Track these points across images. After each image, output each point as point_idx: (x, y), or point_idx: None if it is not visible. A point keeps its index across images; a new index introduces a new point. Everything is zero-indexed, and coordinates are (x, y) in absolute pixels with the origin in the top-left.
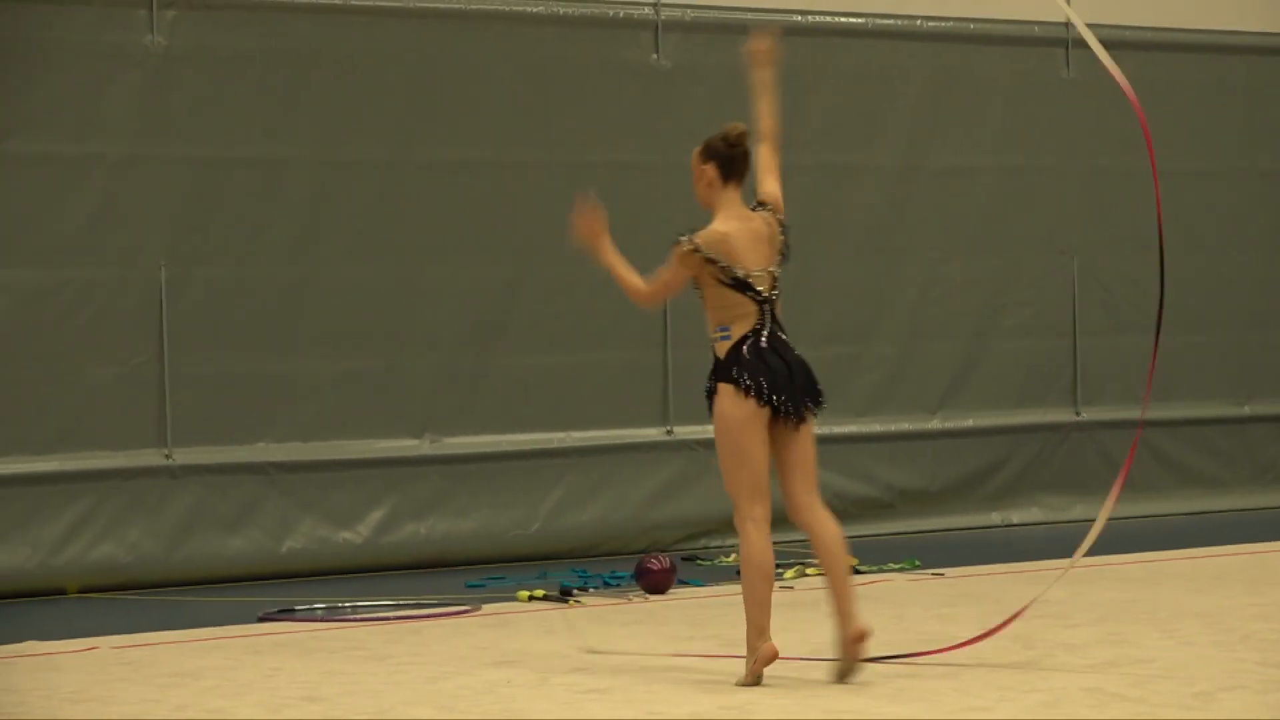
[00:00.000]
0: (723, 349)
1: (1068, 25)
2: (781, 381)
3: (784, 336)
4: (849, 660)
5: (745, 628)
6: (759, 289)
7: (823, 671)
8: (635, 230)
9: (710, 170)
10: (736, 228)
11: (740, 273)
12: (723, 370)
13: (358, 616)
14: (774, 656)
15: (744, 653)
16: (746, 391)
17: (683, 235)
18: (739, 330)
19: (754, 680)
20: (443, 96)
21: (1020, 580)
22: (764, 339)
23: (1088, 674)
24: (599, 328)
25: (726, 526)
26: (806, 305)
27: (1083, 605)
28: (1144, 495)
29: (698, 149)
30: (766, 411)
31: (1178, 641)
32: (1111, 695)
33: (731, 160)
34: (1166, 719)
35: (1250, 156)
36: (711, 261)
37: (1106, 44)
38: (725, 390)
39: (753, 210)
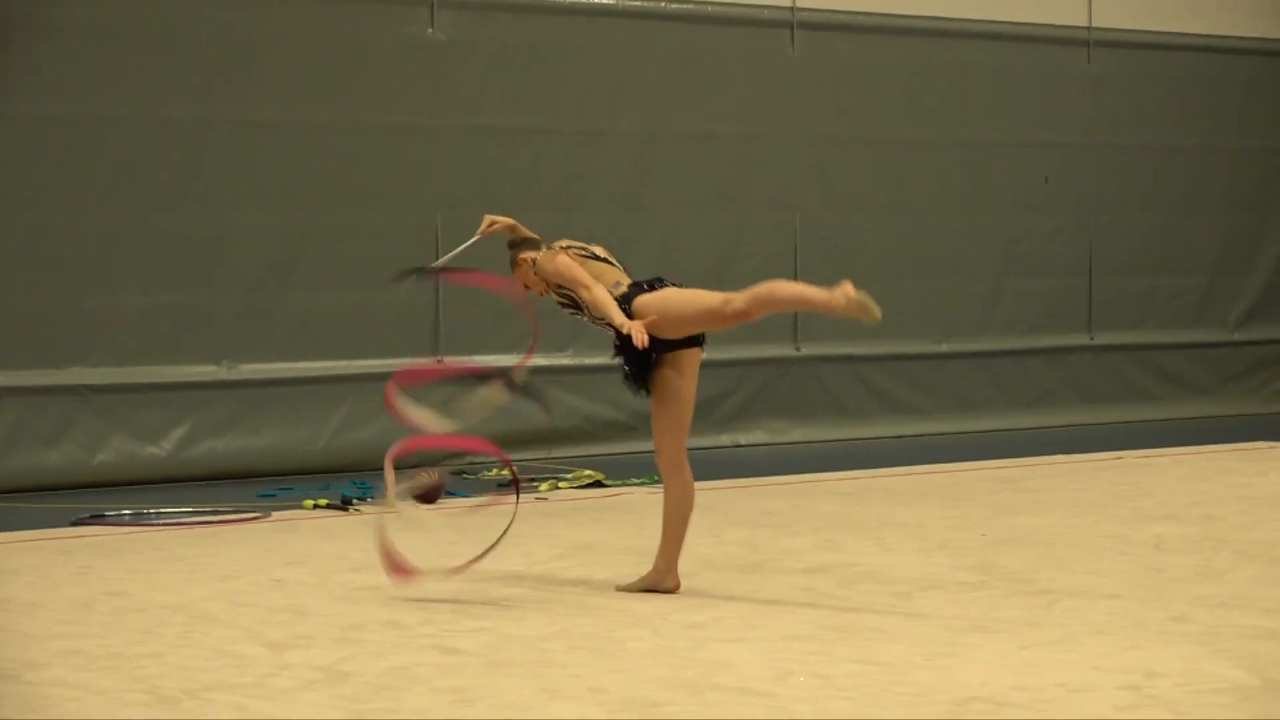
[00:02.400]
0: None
1: (792, 9)
2: None
3: None
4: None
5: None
6: None
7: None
8: (412, 185)
9: (524, 275)
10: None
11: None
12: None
13: (161, 522)
14: (676, 588)
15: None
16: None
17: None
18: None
19: (633, 590)
20: (246, 63)
21: (746, 493)
22: None
23: (803, 576)
24: (377, 269)
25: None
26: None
27: (802, 516)
28: (855, 420)
29: (515, 272)
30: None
31: (883, 548)
32: (823, 593)
33: (517, 259)
34: (871, 612)
35: (955, 126)
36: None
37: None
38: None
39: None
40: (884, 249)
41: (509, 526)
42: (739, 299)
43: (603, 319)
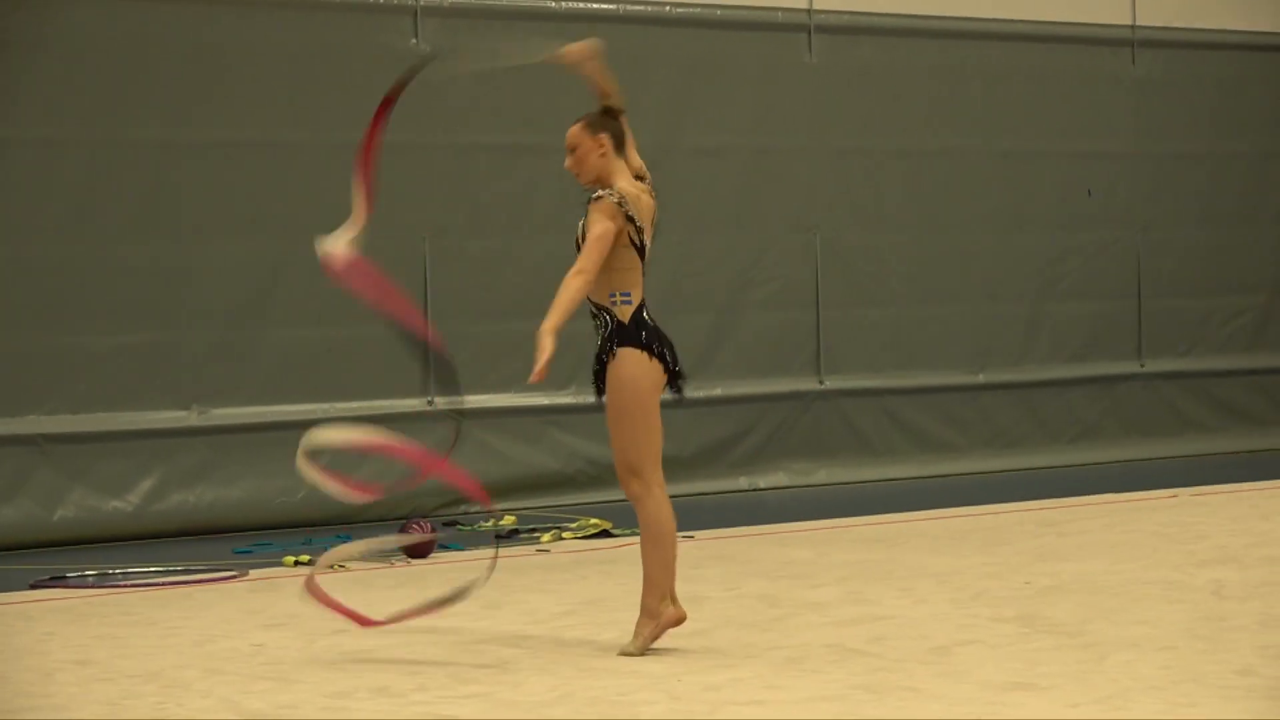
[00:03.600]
0: (625, 313)
1: (809, 12)
2: (676, 353)
3: None
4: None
5: (644, 596)
6: (646, 258)
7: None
8: (397, 208)
9: (605, 141)
10: (635, 194)
11: (644, 237)
12: (629, 334)
13: (128, 583)
14: (682, 619)
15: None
16: (659, 357)
17: (601, 192)
18: (637, 296)
19: (643, 650)
20: (214, 79)
21: (766, 541)
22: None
23: (829, 630)
24: (360, 303)
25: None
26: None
27: (825, 565)
28: (884, 459)
29: (580, 125)
30: (664, 380)
31: (915, 599)
32: (851, 650)
33: (620, 130)
34: (904, 670)
35: (989, 136)
36: (629, 219)
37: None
38: (633, 355)
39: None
40: (913, 271)
41: (477, 581)
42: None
43: (599, 309)
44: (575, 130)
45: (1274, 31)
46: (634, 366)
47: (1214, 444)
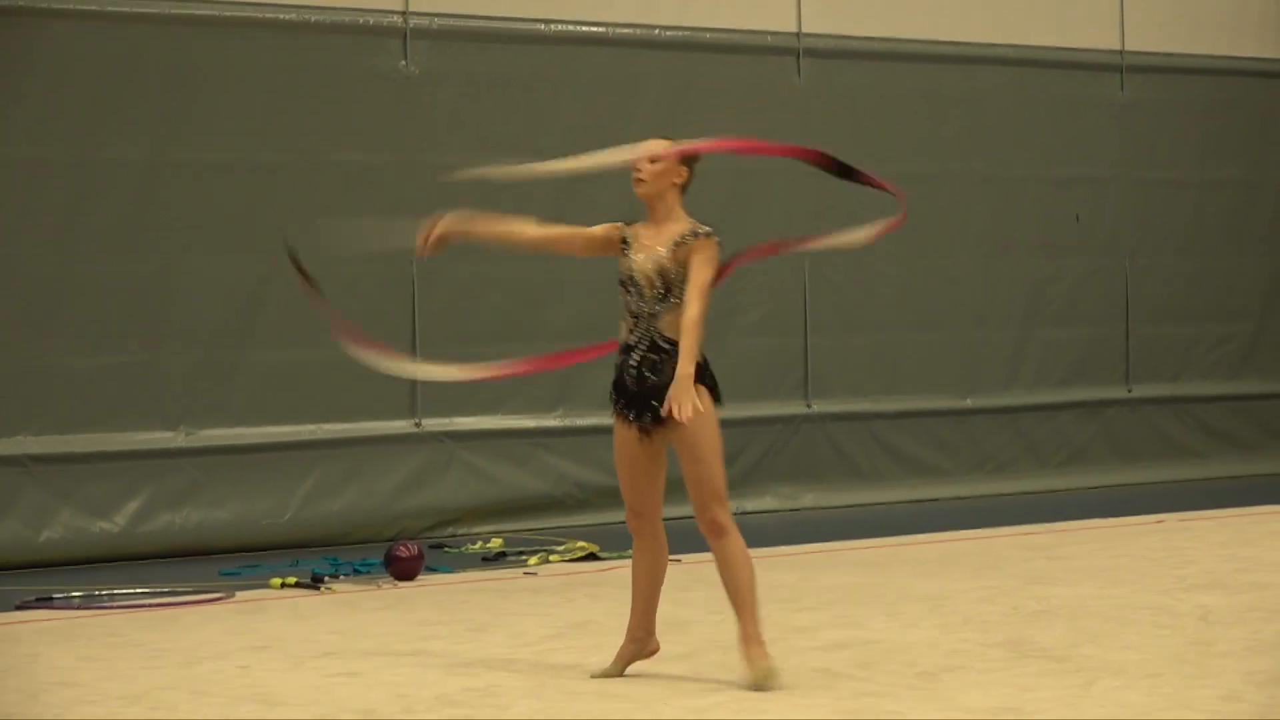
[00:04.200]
0: None
1: (798, 35)
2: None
3: None
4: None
5: (743, 625)
6: None
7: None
8: (384, 231)
9: (685, 175)
10: None
11: None
12: (702, 371)
13: (114, 604)
14: (656, 651)
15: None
16: (716, 398)
17: (706, 229)
18: None
19: (763, 682)
20: (199, 99)
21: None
22: None
23: (816, 654)
24: (349, 323)
25: (472, 515)
26: (549, 301)
27: (812, 589)
28: (871, 483)
29: (671, 145)
30: None
31: (902, 624)
32: (838, 674)
33: (693, 175)
34: (892, 696)
35: (976, 160)
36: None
37: None
38: (703, 390)
39: None
40: (901, 295)
41: None
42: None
43: (671, 347)
44: (665, 146)
45: (1261, 57)
46: (708, 402)
47: (1201, 469)
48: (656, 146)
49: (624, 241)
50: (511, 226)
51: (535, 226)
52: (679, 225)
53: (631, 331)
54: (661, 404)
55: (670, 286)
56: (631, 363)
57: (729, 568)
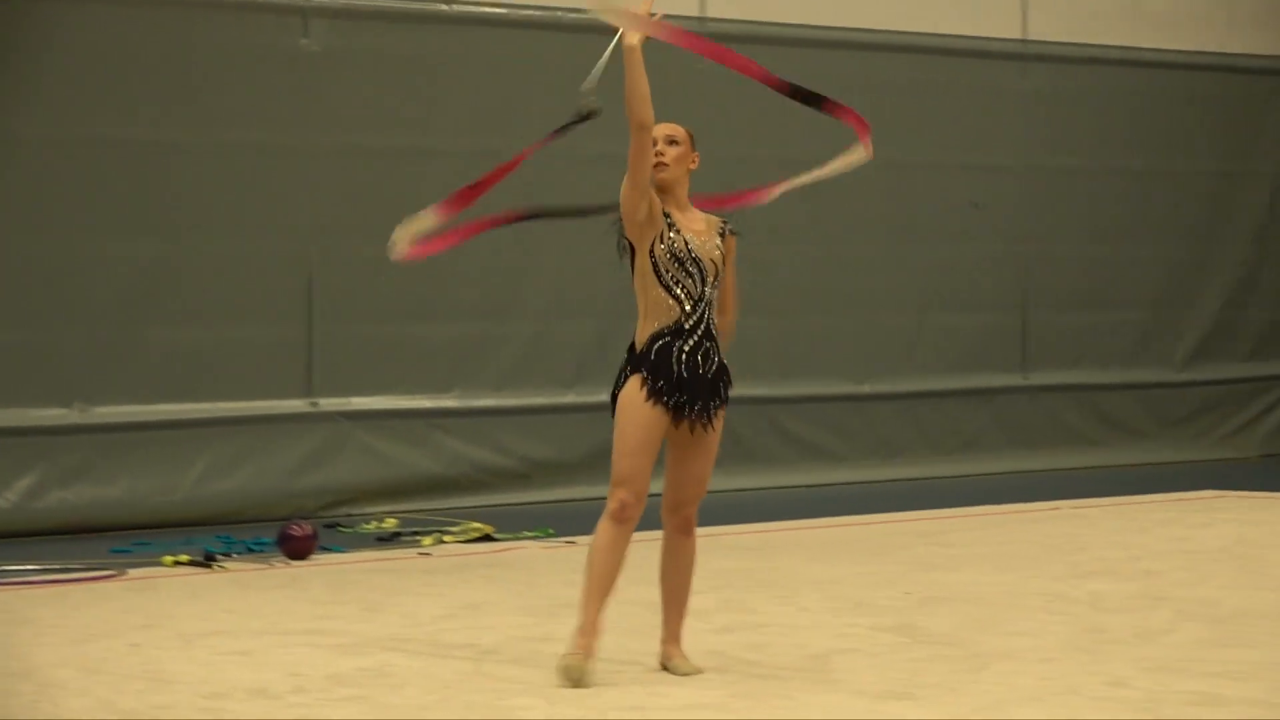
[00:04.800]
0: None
1: (701, 20)
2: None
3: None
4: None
5: (678, 624)
6: None
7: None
8: (283, 211)
9: (697, 160)
10: None
11: None
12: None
13: (4, 581)
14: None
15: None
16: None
17: (730, 224)
18: None
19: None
20: (100, 77)
21: (647, 548)
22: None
23: (709, 637)
24: (245, 303)
25: (367, 495)
26: (451, 283)
27: (706, 574)
28: (767, 468)
29: (687, 132)
30: None
31: (794, 608)
32: (731, 658)
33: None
34: (782, 679)
35: (877, 146)
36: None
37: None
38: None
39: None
40: (798, 280)
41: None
42: None
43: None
44: (681, 130)
45: (1160, 48)
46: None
47: (1096, 457)
48: (682, 131)
49: (666, 215)
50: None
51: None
52: (703, 214)
53: (688, 315)
54: (715, 398)
55: (719, 275)
56: (686, 348)
57: (689, 567)
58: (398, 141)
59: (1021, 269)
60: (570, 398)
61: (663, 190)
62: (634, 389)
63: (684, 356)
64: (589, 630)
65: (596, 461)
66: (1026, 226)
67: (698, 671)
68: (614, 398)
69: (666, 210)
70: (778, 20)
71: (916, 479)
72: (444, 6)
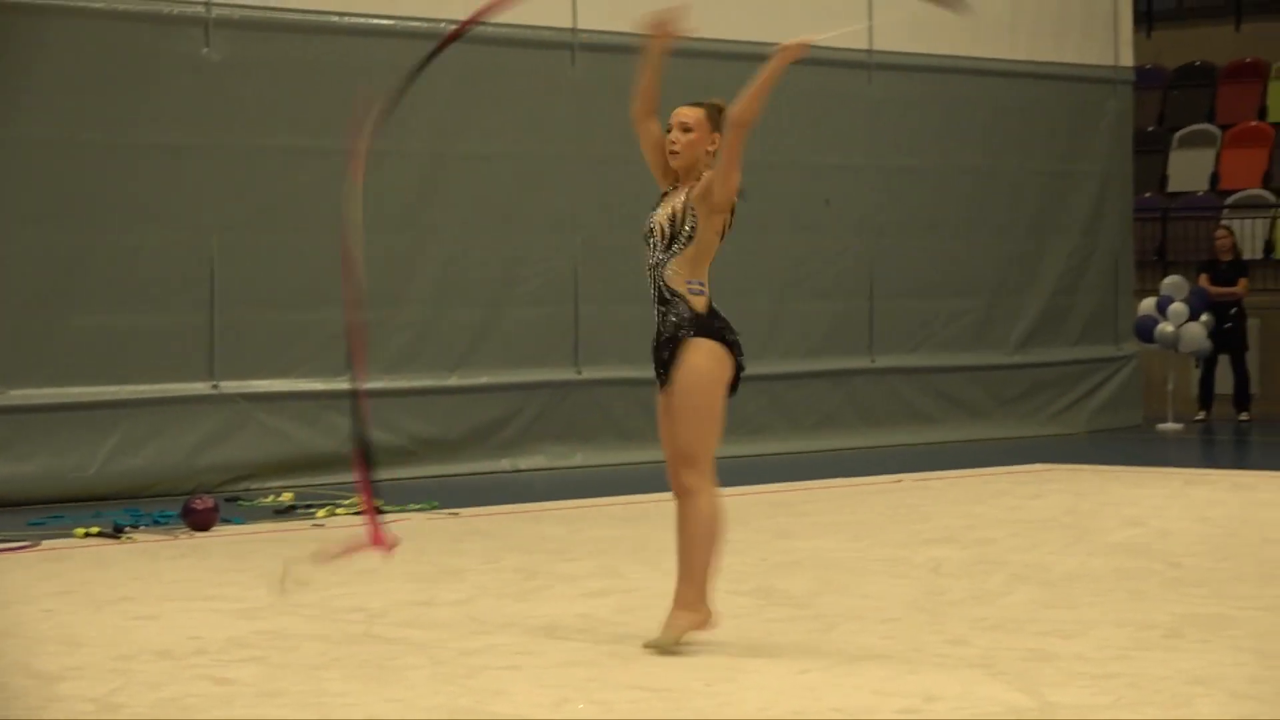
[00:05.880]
0: (700, 303)
1: (574, 31)
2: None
3: None
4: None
5: (681, 586)
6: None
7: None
8: (188, 207)
9: (718, 140)
10: None
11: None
12: (707, 326)
13: None
14: (711, 623)
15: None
16: (735, 352)
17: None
18: (708, 288)
19: (675, 643)
20: (18, 81)
21: (525, 519)
22: None
23: (581, 600)
24: (152, 292)
25: (266, 471)
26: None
27: (579, 541)
28: (636, 444)
29: (702, 112)
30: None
31: (661, 574)
32: (601, 620)
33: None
34: (647, 637)
35: None
36: (732, 211)
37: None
38: (709, 346)
39: None
40: (624, 270)
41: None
42: None
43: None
44: (697, 114)
45: (996, 58)
46: (708, 358)
47: (938, 433)
48: (694, 114)
49: (664, 195)
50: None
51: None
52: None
53: (650, 284)
54: (664, 362)
55: (676, 235)
56: (655, 316)
57: (690, 532)
58: (293, 142)
59: (869, 261)
60: (454, 380)
61: (683, 174)
62: None
63: (654, 324)
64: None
65: (478, 438)
66: (874, 221)
67: (666, 647)
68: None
69: (664, 189)
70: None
71: (777, 454)
72: (335, 18)
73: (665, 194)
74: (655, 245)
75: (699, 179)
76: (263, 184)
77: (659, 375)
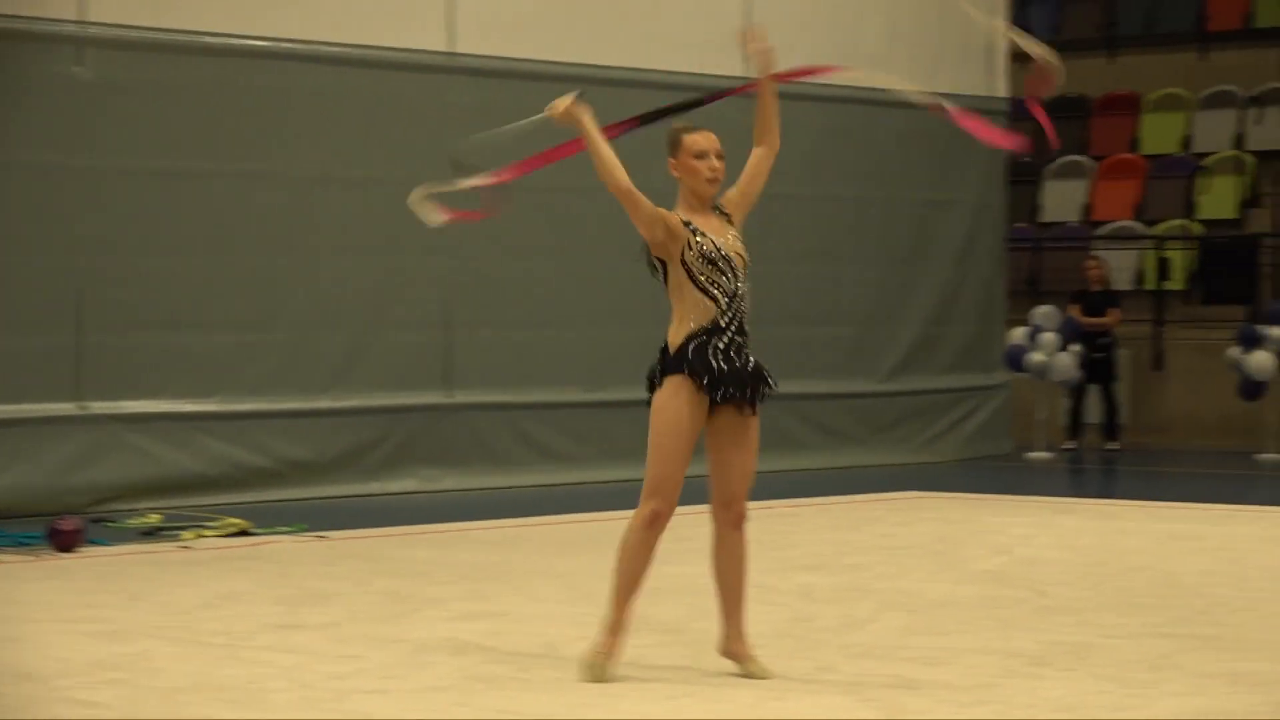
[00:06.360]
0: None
1: (450, 54)
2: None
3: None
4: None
5: (740, 620)
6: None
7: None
8: (59, 228)
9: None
10: None
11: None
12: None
13: None
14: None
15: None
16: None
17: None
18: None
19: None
20: None
21: (395, 542)
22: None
23: (449, 624)
24: (18, 312)
25: (133, 492)
26: (214, 294)
27: (448, 565)
28: (507, 468)
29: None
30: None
31: (529, 598)
32: (469, 643)
33: None
34: (517, 663)
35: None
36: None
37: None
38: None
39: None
40: (544, 295)
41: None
42: None
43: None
44: (716, 142)
45: (870, 87)
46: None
47: (810, 460)
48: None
49: (687, 224)
50: (614, 156)
51: (624, 173)
52: (715, 211)
53: (723, 313)
54: (758, 388)
55: (747, 269)
56: (720, 345)
57: (744, 561)
58: (165, 164)
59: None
60: (325, 402)
61: (704, 199)
62: (669, 393)
63: (718, 353)
64: (615, 629)
65: (348, 461)
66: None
67: (760, 675)
68: (649, 403)
69: (685, 219)
70: (529, 56)
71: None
72: (210, 39)
73: (689, 223)
74: (736, 274)
75: (717, 209)
76: (133, 205)
77: (737, 396)
